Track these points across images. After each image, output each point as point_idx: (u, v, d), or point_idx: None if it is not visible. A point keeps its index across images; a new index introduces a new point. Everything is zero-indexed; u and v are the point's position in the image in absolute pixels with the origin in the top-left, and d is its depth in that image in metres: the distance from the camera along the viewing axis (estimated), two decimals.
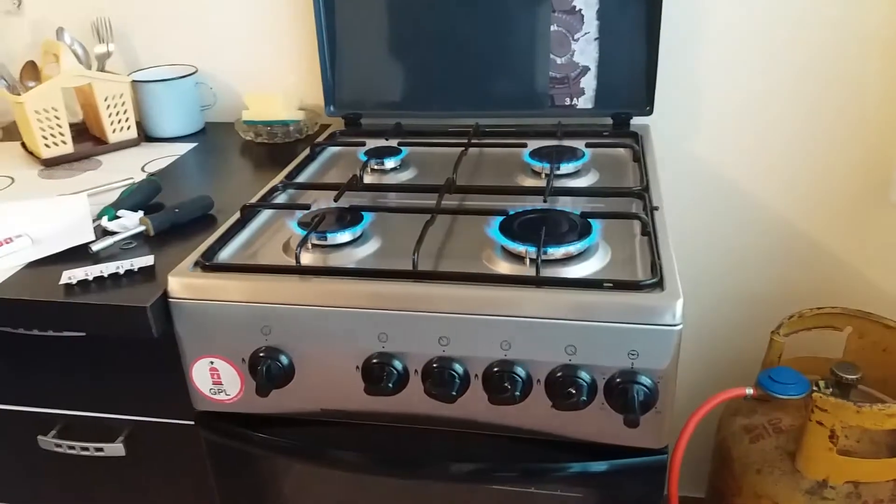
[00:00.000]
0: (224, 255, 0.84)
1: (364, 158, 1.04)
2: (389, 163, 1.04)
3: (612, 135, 1.13)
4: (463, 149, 1.06)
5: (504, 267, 0.78)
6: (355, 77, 1.22)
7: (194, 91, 1.29)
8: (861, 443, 1.02)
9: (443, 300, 0.73)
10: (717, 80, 1.19)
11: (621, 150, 1.10)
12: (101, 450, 0.92)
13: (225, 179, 1.10)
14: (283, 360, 0.78)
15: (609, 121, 1.17)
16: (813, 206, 1.24)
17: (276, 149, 1.21)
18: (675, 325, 0.69)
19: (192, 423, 0.88)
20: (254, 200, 0.94)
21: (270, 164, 1.15)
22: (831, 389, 1.03)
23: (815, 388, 1.02)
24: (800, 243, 1.27)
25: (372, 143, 1.11)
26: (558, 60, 1.14)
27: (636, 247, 0.82)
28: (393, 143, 1.11)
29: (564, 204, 0.89)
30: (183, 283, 0.78)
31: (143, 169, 1.14)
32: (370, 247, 0.84)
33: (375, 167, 1.04)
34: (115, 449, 0.91)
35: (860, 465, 0.99)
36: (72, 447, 0.92)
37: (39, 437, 0.93)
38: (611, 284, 0.71)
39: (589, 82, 1.14)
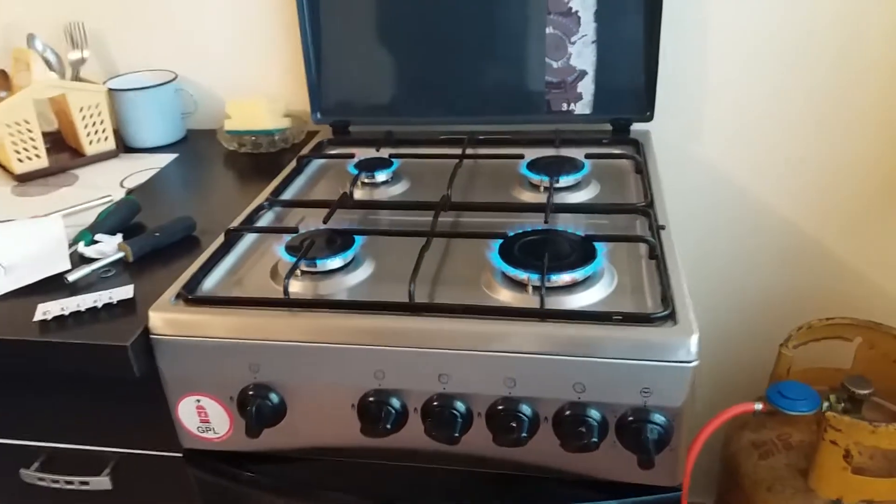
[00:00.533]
0: (208, 283, 0.80)
1: (354, 172, 0.99)
2: (381, 176, 1.00)
3: (611, 142, 1.09)
4: (457, 161, 1.02)
5: (505, 295, 0.73)
6: (343, 82, 1.16)
7: (174, 99, 1.23)
8: (874, 459, 0.99)
9: (442, 335, 0.69)
10: (720, 83, 1.14)
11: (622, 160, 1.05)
12: (86, 483, 0.87)
13: (208, 195, 1.05)
14: (274, 398, 0.74)
15: (608, 127, 1.12)
16: (821, 214, 1.20)
17: (261, 159, 1.16)
18: (689, 362, 0.66)
19: (181, 455, 0.83)
20: (238, 222, 0.89)
21: (256, 176, 1.10)
22: (843, 404, 1.00)
23: (826, 403, 0.98)
24: (808, 251, 1.23)
25: (361, 154, 1.06)
26: (554, 64, 1.09)
27: (643, 269, 0.78)
28: (384, 153, 1.06)
29: (566, 221, 0.85)
30: (165, 319, 0.74)
31: (121, 184, 1.08)
32: (363, 272, 0.80)
33: (366, 181, 1.00)
34: (101, 482, 0.87)
35: (875, 484, 0.96)
36: (55, 481, 0.88)
37: (22, 471, 0.88)
38: (620, 317, 0.67)
39: (587, 87, 1.10)
